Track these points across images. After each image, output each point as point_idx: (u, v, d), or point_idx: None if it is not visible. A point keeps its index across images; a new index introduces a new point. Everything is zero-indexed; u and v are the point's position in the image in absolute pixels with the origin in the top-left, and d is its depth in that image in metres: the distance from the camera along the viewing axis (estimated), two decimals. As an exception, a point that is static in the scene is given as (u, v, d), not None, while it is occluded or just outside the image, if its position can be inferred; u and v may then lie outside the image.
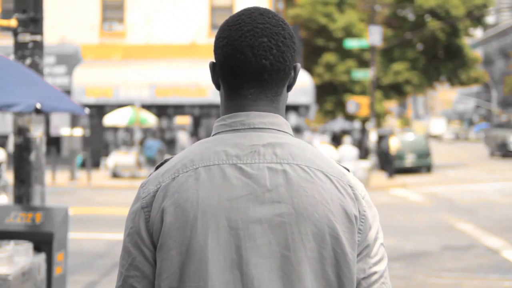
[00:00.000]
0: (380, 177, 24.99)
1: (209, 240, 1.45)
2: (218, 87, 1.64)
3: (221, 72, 1.59)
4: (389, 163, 25.48)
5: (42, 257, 5.04)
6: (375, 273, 1.54)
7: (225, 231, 1.46)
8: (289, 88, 1.63)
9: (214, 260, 1.45)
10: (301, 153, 1.53)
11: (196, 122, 28.75)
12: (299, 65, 1.62)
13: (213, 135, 1.59)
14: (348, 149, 20.25)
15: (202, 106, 27.83)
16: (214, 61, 1.62)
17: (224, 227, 1.46)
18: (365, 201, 1.55)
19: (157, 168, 1.59)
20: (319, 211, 1.48)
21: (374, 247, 1.55)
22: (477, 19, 33.22)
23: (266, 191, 1.48)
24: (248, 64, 1.54)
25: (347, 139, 20.89)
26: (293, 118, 27.42)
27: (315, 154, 1.56)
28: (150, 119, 25.03)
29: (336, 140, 32.32)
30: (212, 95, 26.37)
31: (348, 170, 1.60)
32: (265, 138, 1.54)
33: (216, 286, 1.45)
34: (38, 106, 4.82)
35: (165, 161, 1.60)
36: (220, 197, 1.47)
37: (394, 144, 25.94)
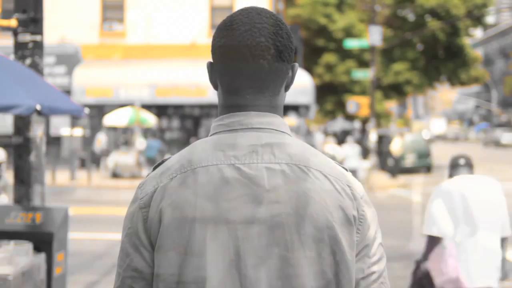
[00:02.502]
0: (380, 177, 24.97)
1: (207, 241, 1.45)
2: (215, 87, 1.62)
3: (219, 72, 1.58)
4: (390, 164, 25.56)
5: (42, 257, 5.03)
6: (374, 272, 1.54)
7: (224, 232, 1.45)
8: (287, 88, 1.62)
9: (212, 261, 1.44)
10: (300, 153, 1.52)
11: (196, 122, 28.74)
12: (297, 65, 1.61)
13: (211, 135, 1.58)
14: (350, 147, 20.67)
15: (202, 106, 27.82)
16: (211, 61, 1.61)
17: (222, 228, 1.45)
18: (363, 201, 1.55)
19: (154, 168, 1.58)
20: (318, 211, 1.47)
21: (372, 247, 1.54)
22: (477, 19, 33.22)
23: (265, 192, 1.47)
24: (245, 64, 1.53)
25: (349, 138, 21.39)
26: (293, 118, 27.39)
27: (313, 154, 1.55)
28: (150, 119, 25.02)
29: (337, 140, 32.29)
30: (212, 95, 26.34)
31: (346, 170, 1.60)
32: (264, 138, 1.53)
33: (215, 286, 1.44)
34: (38, 107, 4.83)
35: (163, 161, 1.58)
36: (218, 197, 1.47)
37: (396, 146, 25.99)
